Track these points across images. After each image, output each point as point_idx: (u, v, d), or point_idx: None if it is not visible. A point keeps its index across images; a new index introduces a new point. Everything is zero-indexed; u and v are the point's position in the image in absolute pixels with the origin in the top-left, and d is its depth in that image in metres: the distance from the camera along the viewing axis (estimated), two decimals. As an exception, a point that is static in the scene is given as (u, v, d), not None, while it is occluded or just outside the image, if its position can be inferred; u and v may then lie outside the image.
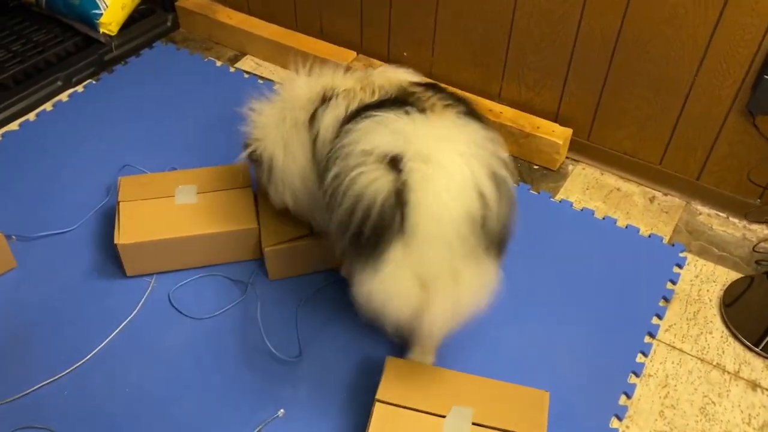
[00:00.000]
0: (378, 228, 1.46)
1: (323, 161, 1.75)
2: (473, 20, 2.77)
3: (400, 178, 1.46)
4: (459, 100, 1.78)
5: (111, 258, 2.38)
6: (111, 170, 2.69)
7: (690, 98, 2.48)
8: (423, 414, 1.78)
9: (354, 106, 1.82)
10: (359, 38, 3.15)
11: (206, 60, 3.35)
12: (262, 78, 3.26)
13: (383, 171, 1.48)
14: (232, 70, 3.30)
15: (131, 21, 3.42)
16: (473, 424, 1.76)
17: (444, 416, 1.77)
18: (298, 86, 2.06)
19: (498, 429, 1.75)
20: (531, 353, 2.16)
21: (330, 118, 1.87)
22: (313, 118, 1.94)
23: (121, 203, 2.32)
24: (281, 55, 3.29)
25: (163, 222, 2.28)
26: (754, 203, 2.57)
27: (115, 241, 2.21)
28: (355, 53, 3.17)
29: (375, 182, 1.47)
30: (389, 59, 3.11)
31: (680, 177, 2.68)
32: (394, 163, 1.48)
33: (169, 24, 3.52)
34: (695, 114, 2.50)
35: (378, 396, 1.81)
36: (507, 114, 2.85)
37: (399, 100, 1.75)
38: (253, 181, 2.43)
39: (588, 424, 1.98)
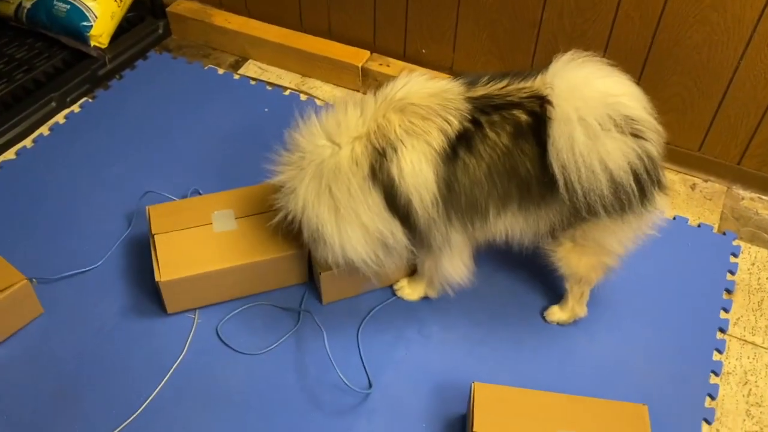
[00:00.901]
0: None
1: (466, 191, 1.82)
2: (499, 13, 2.65)
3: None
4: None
5: (146, 294, 2.21)
6: (130, 197, 2.50)
7: (733, 83, 2.42)
8: (526, 443, 1.69)
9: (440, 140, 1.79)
10: (372, 36, 3.00)
11: (207, 68, 3.15)
12: (270, 84, 3.08)
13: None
14: (236, 77, 3.11)
15: (120, 31, 3.19)
16: (580, 449, 1.67)
17: (548, 443, 1.68)
18: (328, 155, 1.89)
19: (606, 452, 1.67)
20: (605, 362, 2.08)
21: (415, 161, 1.78)
22: (377, 172, 1.82)
23: (156, 236, 2.14)
24: (287, 58, 3.12)
25: (204, 253, 2.11)
26: (798, 185, 2.54)
27: (157, 279, 2.04)
28: (368, 53, 3.02)
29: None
30: (406, 57, 2.97)
31: (721, 162, 2.63)
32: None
33: (160, 31, 3.30)
34: (738, 98, 2.45)
35: (476, 429, 1.70)
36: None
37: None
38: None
39: (680, 432, 1.92)
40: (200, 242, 2.14)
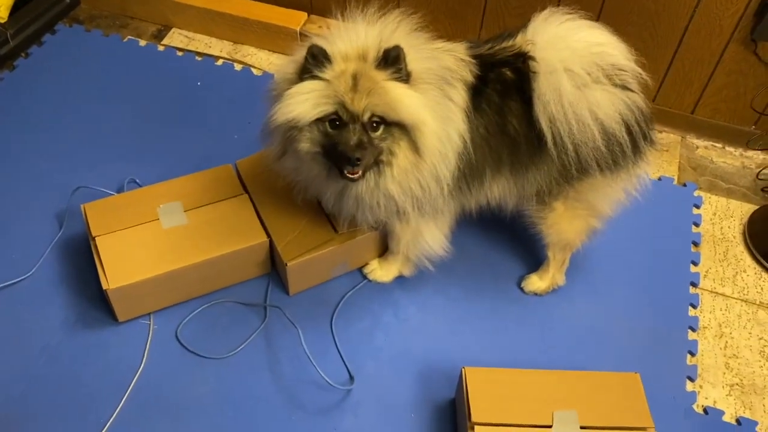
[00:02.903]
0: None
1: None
2: (445, -33, 2.50)
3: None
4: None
5: (92, 302, 1.99)
6: (58, 194, 2.23)
7: (688, 31, 2.37)
8: (527, 429, 1.62)
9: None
10: (309, -3, 2.79)
11: (126, 40, 2.85)
12: (199, 54, 2.82)
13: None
14: (160, 48, 2.83)
15: (20, 2, 2.83)
16: (581, 428, 1.62)
17: (548, 426, 1.63)
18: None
19: (607, 428, 1.63)
20: (587, 328, 2.04)
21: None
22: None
23: (97, 239, 1.91)
24: (215, 25, 2.86)
25: (154, 253, 1.91)
26: (750, 130, 2.55)
27: (104, 287, 1.83)
28: (305, 14, 2.80)
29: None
30: (346, 18, 2.77)
31: (675, 112, 2.61)
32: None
33: (67, 1, 2.95)
34: (693, 47, 2.41)
35: (474, 419, 1.62)
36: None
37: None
38: (243, 185, 2.09)
39: (667, 393, 1.91)
40: (148, 241, 1.93)
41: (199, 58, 2.80)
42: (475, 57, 1.72)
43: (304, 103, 1.57)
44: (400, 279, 2.11)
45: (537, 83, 1.66)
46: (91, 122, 2.50)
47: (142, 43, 2.85)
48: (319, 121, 1.59)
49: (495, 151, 1.74)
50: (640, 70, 1.73)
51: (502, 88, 1.71)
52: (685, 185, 2.46)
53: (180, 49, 2.84)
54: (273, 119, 1.62)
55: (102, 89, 2.63)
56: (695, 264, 2.23)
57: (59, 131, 2.46)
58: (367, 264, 2.12)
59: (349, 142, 1.54)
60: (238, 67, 2.78)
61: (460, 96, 1.67)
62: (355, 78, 1.55)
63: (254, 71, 2.77)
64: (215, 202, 2.04)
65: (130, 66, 2.74)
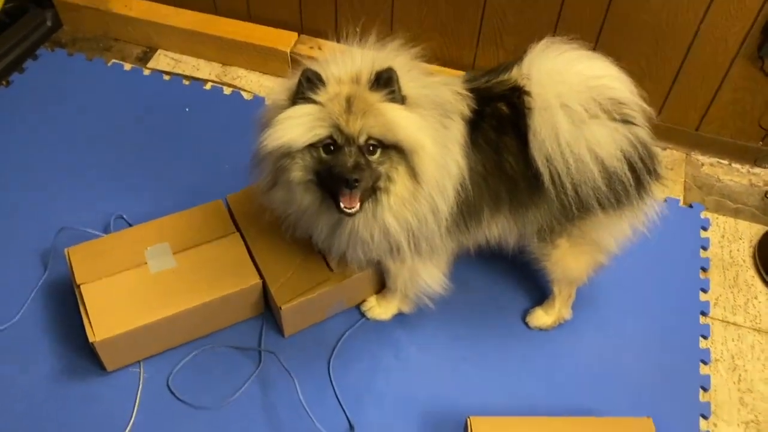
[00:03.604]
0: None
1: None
2: (439, -16, 2.41)
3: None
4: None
5: (79, 350, 1.91)
6: (41, 234, 2.14)
7: (693, 48, 2.28)
8: (537, 484, 1.55)
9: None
10: (298, 16, 2.69)
11: (110, 65, 2.75)
12: (187, 78, 2.73)
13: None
14: (146, 72, 2.74)
15: (0, 27, 2.74)
16: (594, 482, 1.55)
17: (560, 480, 1.55)
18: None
19: (621, 480, 1.56)
20: (595, 364, 1.97)
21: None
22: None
23: (82, 287, 1.83)
24: (203, 46, 2.77)
25: (142, 300, 1.82)
26: (758, 147, 2.47)
27: (90, 340, 1.75)
28: (296, 35, 2.71)
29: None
30: (338, 37, 2.68)
31: (679, 129, 2.53)
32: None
33: (49, 24, 2.85)
34: (698, 64, 2.32)
35: (483, 476, 1.55)
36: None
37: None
38: (235, 222, 2.01)
39: (680, 433, 1.84)
40: (136, 287, 1.85)
41: (186, 82, 2.71)
42: (471, 90, 1.64)
43: (298, 127, 1.49)
44: (399, 316, 2.02)
45: (532, 120, 1.58)
46: (75, 154, 2.41)
47: (127, 66, 2.75)
48: (312, 147, 1.50)
49: (493, 189, 1.66)
50: (642, 103, 1.65)
51: (498, 124, 1.63)
52: (691, 206, 2.38)
53: (167, 73, 2.74)
54: (263, 146, 1.53)
55: (87, 118, 2.53)
56: (705, 291, 2.15)
57: (42, 164, 2.37)
58: (364, 301, 2.04)
59: (346, 164, 1.46)
60: (227, 90, 2.69)
61: (457, 129, 1.58)
62: (349, 100, 1.47)
63: (244, 95, 2.68)
64: (205, 243, 1.95)
65: (116, 92, 2.64)
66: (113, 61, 2.77)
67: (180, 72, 2.76)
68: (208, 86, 2.70)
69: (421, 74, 1.63)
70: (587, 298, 2.07)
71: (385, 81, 1.49)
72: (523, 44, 2.49)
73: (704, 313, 2.10)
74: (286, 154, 1.52)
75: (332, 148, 1.50)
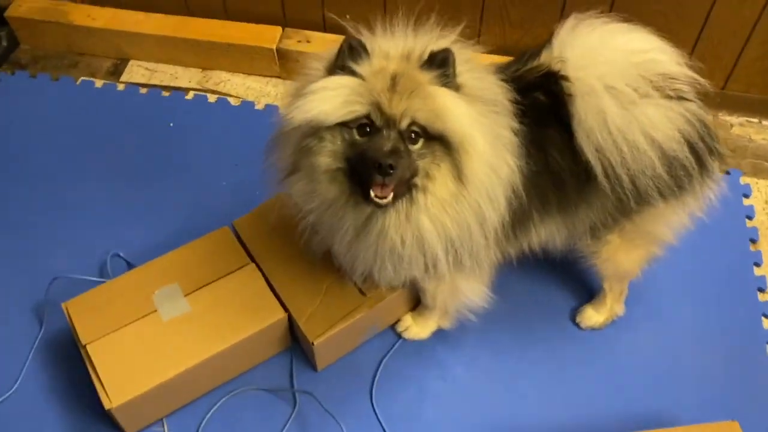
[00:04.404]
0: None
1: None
2: (435, -41, 2.19)
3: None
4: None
5: (92, 414, 1.70)
6: (34, 283, 1.91)
7: (717, 3, 2.11)
8: None
9: None
10: (280, 8, 2.45)
11: (79, 83, 2.50)
12: (166, 88, 2.49)
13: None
14: (119, 87, 2.49)
15: (-50, 53, 2.47)
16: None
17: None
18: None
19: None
20: (657, 361, 1.82)
21: None
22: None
23: (88, 348, 1.62)
24: (179, 52, 2.52)
25: (158, 354, 1.63)
26: (789, 101, 2.32)
27: (106, 407, 1.55)
28: (280, 29, 2.47)
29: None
30: (327, 28, 2.46)
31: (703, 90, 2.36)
32: None
33: (4, 44, 2.58)
34: (722, 19, 2.14)
35: None
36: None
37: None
38: (247, 250, 1.81)
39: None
40: (149, 340, 1.65)
41: (166, 93, 2.47)
42: (504, 81, 1.45)
43: (332, 100, 1.27)
44: (439, 332, 1.85)
45: (575, 107, 1.39)
46: (54, 189, 2.17)
47: (98, 83, 2.50)
48: (344, 126, 1.30)
49: (540, 190, 1.47)
50: (696, 75, 1.47)
51: (538, 116, 1.43)
52: (728, 173, 2.22)
53: (143, 85, 2.50)
54: (289, 119, 1.31)
55: (61, 146, 2.29)
56: (758, 265, 2.01)
57: (18, 204, 2.13)
58: (399, 321, 1.86)
59: (383, 147, 1.25)
60: (212, 98, 2.46)
61: (509, 127, 1.38)
62: (395, 78, 1.27)
63: (231, 101, 2.45)
64: (219, 279, 1.75)
65: (90, 113, 2.40)
66: (82, 78, 2.52)
67: (157, 83, 2.51)
68: (190, 96, 2.47)
69: (478, 66, 1.42)
70: (636, 289, 1.90)
71: (440, 62, 1.28)
72: (531, 16, 2.32)
73: (762, 290, 1.95)
74: (314, 133, 1.31)
75: (368, 129, 1.29)
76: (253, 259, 1.80)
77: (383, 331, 1.86)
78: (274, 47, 2.44)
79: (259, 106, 2.43)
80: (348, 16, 2.45)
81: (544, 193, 1.47)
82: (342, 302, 1.72)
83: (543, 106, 1.44)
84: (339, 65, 1.30)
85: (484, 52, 2.39)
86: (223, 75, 2.54)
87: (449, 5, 2.32)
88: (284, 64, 2.47)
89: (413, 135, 1.30)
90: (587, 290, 1.91)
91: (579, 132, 1.40)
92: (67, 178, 2.20)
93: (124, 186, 2.19)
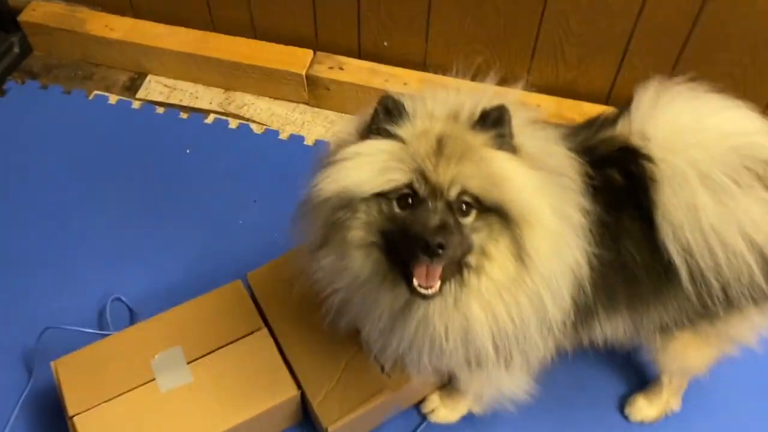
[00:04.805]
0: None
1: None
2: (487, -11, 1.98)
3: None
4: None
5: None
6: (20, 331, 1.74)
7: (805, 50, 1.88)
8: None
9: None
10: (313, 30, 2.25)
11: (93, 97, 2.32)
12: (184, 109, 2.30)
13: None
14: (135, 105, 2.31)
15: (-41, 58, 2.31)
16: None
17: None
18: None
19: None
20: None
21: None
22: None
23: (76, 420, 1.44)
24: (201, 70, 2.33)
25: (154, 430, 1.45)
26: None
27: (91, 493, 1.37)
28: (311, 52, 2.27)
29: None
30: (362, 54, 2.25)
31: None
32: None
33: (16, 50, 2.41)
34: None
35: None
36: (547, 105, 2.13)
37: None
38: (260, 310, 1.61)
39: None
40: (143, 414, 1.46)
41: (184, 115, 2.28)
42: (571, 150, 1.24)
43: (367, 167, 1.09)
44: (470, 416, 1.65)
45: (659, 196, 1.18)
46: (54, 220, 2.00)
47: (113, 99, 2.32)
48: (382, 197, 1.10)
49: (609, 284, 1.25)
50: None
51: (612, 198, 1.22)
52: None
53: (160, 104, 2.32)
54: (317, 191, 1.12)
55: (66, 168, 2.12)
56: (834, 358, 1.78)
57: (12, 236, 1.96)
58: (425, 400, 1.66)
59: (429, 223, 1.05)
60: (233, 124, 2.27)
61: (578, 204, 1.17)
62: (441, 140, 1.08)
63: (254, 128, 2.26)
64: (227, 344, 1.56)
65: (101, 132, 2.22)
66: (96, 92, 2.34)
67: (176, 102, 2.33)
68: (209, 119, 2.28)
69: (540, 129, 1.22)
70: (696, 381, 1.69)
71: (494, 120, 1.09)
72: (588, 56, 2.09)
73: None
74: (346, 204, 1.11)
75: (410, 201, 1.09)
76: (266, 322, 1.61)
77: (406, 409, 1.66)
78: (303, 72, 2.24)
79: (283, 136, 2.23)
80: (386, 43, 2.27)
81: (613, 288, 1.25)
82: (363, 382, 1.52)
83: (618, 188, 1.22)
84: (375, 128, 1.11)
85: (532, 91, 2.21)
86: (247, 97, 2.34)
87: (498, 42, 2.12)
88: (313, 90, 2.27)
89: (464, 206, 1.09)
90: (639, 377, 1.69)
91: (663, 226, 1.18)
92: (69, 206, 2.03)
93: (130, 218, 2.01)
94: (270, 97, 2.34)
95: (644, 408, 1.64)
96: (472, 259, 1.11)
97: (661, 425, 1.65)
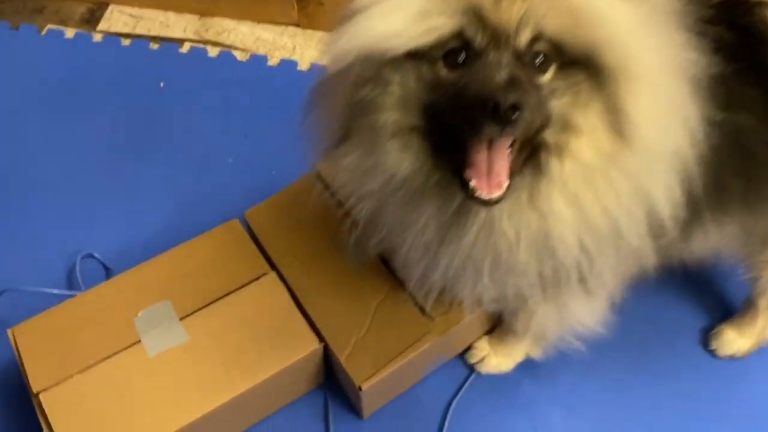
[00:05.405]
0: None
1: None
2: None
3: None
4: None
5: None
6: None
7: None
8: None
9: None
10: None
11: (45, 33, 1.98)
12: (154, 39, 1.97)
13: None
14: (96, 38, 1.97)
15: None
16: None
17: None
18: None
19: None
20: None
21: None
22: None
23: (42, 396, 1.13)
24: (171, -7, 2.00)
25: (139, 407, 1.14)
26: None
27: (67, 487, 1.07)
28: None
29: None
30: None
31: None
32: None
33: (-48, -17, 2.06)
34: None
35: None
36: None
37: None
38: (264, 253, 1.31)
39: None
40: (126, 386, 1.16)
41: (154, 46, 1.96)
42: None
43: (397, 13, 0.78)
44: (527, 363, 1.37)
45: None
46: (10, 169, 1.68)
47: (69, 33, 1.98)
48: (421, 58, 0.80)
49: (719, 174, 0.96)
50: None
51: (723, 60, 0.93)
52: None
53: (125, 35, 1.98)
54: (334, 55, 0.83)
55: (20, 112, 1.79)
56: None
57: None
58: (471, 347, 1.37)
59: (495, 78, 0.75)
60: (213, 51, 1.94)
61: (693, 59, 0.86)
62: None
63: (237, 55, 1.93)
64: (227, 295, 1.26)
65: (58, 70, 1.89)
66: (49, 27, 2.00)
67: (144, 33, 2.00)
68: (185, 48, 1.95)
69: None
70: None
71: None
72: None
73: None
74: (374, 75, 0.81)
75: (463, 57, 0.79)
76: (272, 265, 1.31)
77: (450, 360, 1.38)
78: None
79: (272, 62, 1.92)
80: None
81: (724, 180, 0.97)
82: (399, 328, 1.23)
83: (729, 48, 0.93)
84: None
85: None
86: (227, 23, 2.01)
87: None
88: (304, 7, 1.94)
89: (539, 59, 0.79)
90: (723, 306, 1.42)
91: None
92: (28, 153, 1.71)
93: (101, 165, 1.70)
94: (253, 21, 2.01)
95: (734, 340, 1.36)
96: (550, 136, 0.82)
97: (754, 359, 1.38)
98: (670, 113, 0.85)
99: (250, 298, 1.26)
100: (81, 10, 2.06)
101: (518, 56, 0.77)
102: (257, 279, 1.28)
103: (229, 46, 1.96)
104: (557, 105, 0.81)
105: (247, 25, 2.01)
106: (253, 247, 1.33)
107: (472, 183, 0.80)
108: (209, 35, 1.99)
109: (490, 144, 0.80)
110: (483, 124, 0.75)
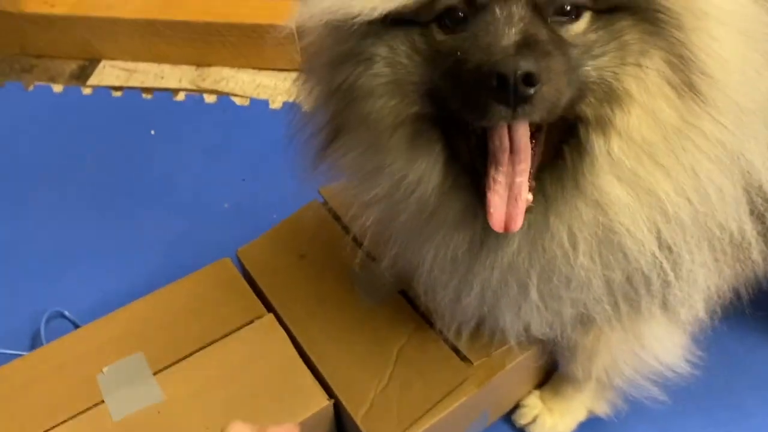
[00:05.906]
0: None
1: None
2: None
3: None
4: None
5: None
6: None
7: None
8: None
9: None
10: (300, -24, 1.82)
11: (32, 89, 1.85)
12: (146, 90, 1.83)
13: None
14: (86, 91, 1.84)
15: None
16: None
17: None
18: None
19: None
20: None
21: None
22: None
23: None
24: (165, 43, 1.87)
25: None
26: None
27: None
28: None
29: None
30: None
31: None
32: None
33: (-62, 46, 1.96)
34: None
35: None
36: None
37: None
38: (260, 293, 1.08)
39: None
40: (86, 458, 0.91)
41: (146, 96, 1.81)
42: None
43: None
44: (592, 424, 1.09)
45: None
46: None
47: (57, 88, 1.85)
48: (411, 25, 0.64)
49: None
50: None
51: None
52: None
53: (116, 89, 1.85)
54: (301, 20, 0.70)
55: (3, 168, 1.63)
56: None
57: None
58: (519, 406, 1.10)
59: (500, 39, 0.58)
60: (209, 98, 1.79)
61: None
62: None
63: (236, 101, 1.78)
64: (214, 342, 1.02)
65: (42, 125, 1.74)
66: (36, 84, 1.88)
67: (137, 85, 1.86)
68: (180, 96, 1.81)
69: None
70: None
71: None
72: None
73: None
74: (351, 51, 0.66)
75: (461, 15, 0.62)
76: (269, 308, 1.08)
77: (494, 423, 1.11)
78: (294, 25, 1.78)
79: (274, 105, 1.76)
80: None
81: None
82: (428, 377, 0.98)
83: None
84: None
85: None
86: (226, 71, 1.88)
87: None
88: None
89: (568, 5, 0.61)
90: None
91: None
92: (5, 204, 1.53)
93: (80, 216, 1.51)
94: (253, 68, 1.87)
95: None
96: (589, 110, 0.63)
97: None
98: (757, 52, 0.65)
99: (242, 345, 1.02)
100: (71, 67, 1.93)
101: (535, 6, 0.59)
102: (251, 323, 1.04)
103: (228, 93, 1.81)
104: (595, 66, 0.61)
105: (246, 72, 1.87)
106: (246, 286, 1.10)
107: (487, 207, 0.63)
108: (206, 84, 1.85)
109: (511, 142, 0.62)
110: (488, 107, 0.57)
